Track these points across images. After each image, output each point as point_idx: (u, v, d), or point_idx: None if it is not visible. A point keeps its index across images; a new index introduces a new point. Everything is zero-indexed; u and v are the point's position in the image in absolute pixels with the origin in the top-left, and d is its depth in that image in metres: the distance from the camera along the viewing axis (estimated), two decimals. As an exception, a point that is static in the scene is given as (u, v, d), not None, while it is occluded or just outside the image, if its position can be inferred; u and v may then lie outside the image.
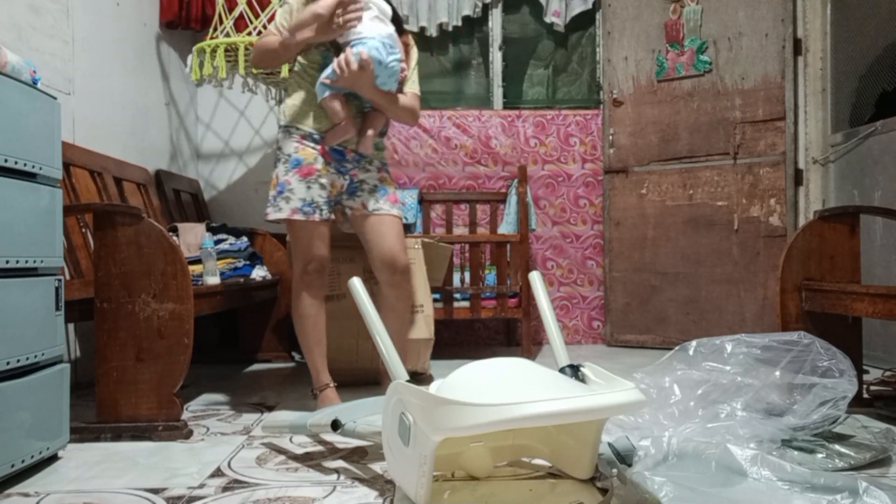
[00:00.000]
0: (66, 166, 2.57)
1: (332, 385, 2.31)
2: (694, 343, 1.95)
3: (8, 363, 1.61)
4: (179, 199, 3.74)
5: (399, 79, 2.26)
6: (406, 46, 2.33)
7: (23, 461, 1.66)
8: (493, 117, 4.27)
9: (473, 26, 4.38)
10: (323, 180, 2.21)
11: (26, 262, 1.69)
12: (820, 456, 1.72)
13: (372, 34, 2.18)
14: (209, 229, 3.12)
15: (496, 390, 1.37)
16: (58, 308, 1.83)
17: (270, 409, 2.48)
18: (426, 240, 3.11)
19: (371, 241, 2.28)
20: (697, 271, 3.88)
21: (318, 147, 2.23)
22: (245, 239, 3.29)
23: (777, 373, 1.83)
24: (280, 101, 4.12)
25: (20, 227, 1.67)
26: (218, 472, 1.74)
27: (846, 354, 1.85)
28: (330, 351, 2.36)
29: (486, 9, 4.34)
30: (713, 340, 1.94)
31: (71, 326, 2.71)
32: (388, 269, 2.26)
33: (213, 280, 2.71)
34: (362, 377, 2.74)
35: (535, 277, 1.76)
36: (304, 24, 2.14)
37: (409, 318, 2.54)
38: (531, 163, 4.22)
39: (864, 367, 2.58)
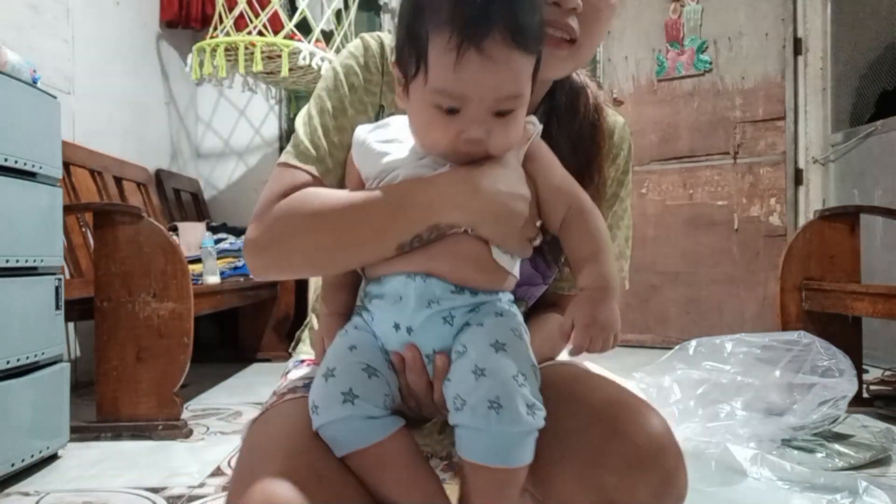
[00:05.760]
0: (66, 165, 2.56)
1: None
2: (694, 342, 1.95)
3: (8, 362, 1.61)
4: (179, 199, 3.74)
5: None
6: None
7: (23, 460, 1.66)
8: (494, 117, 4.26)
9: (473, 26, 4.37)
10: None
11: (26, 261, 1.69)
12: (820, 455, 1.72)
13: None
14: (209, 228, 3.13)
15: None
16: (58, 307, 1.82)
17: (270, 408, 2.48)
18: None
19: None
20: (697, 271, 3.87)
21: None
22: (245, 238, 3.29)
23: (777, 372, 1.83)
24: (279, 101, 4.12)
25: (20, 227, 1.67)
26: (218, 472, 1.74)
27: (846, 354, 1.85)
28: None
29: (486, 8, 4.33)
30: (713, 340, 1.94)
31: (71, 326, 2.70)
32: None
33: (214, 279, 2.71)
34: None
35: (535, 277, 1.75)
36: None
37: None
38: (531, 162, 4.21)
39: (864, 367, 2.58)
